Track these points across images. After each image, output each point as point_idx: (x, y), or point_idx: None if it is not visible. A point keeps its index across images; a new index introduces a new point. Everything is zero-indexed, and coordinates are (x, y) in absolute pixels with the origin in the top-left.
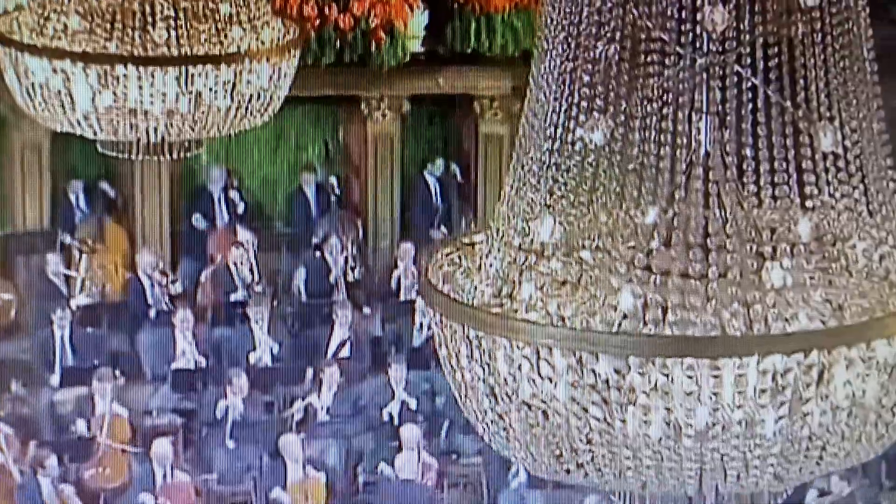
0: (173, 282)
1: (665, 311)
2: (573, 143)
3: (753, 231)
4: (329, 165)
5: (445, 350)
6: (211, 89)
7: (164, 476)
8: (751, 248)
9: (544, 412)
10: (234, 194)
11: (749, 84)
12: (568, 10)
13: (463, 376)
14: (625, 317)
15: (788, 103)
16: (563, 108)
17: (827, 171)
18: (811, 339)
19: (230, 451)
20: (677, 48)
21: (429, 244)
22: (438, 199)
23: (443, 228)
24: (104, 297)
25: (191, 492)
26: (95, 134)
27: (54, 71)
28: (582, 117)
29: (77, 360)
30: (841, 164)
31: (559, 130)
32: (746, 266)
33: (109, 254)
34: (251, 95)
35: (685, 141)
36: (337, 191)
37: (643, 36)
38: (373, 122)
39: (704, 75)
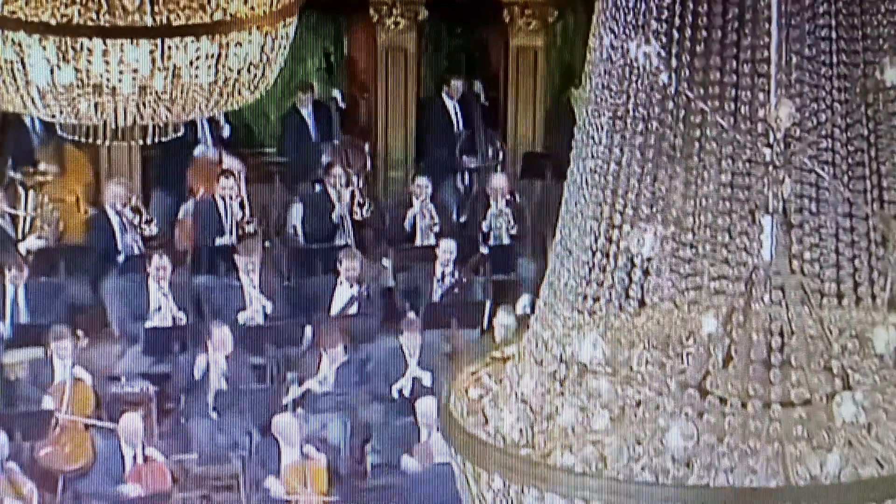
0: (147, 222)
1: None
2: (617, 256)
3: (825, 353)
4: (331, 82)
5: (469, 493)
6: (191, 63)
7: (134, 456)
8: (821, 379)
9: None
10: (217, 115)
11: (822, 181)
12: (612, 96)
13: None
14: (673, 461)
15: (869, 209)
16: (605, 215)
17: None
18: (889, 488)
19: (213, 426)
20: (737, 137)
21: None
22: (460, 123)
23: (465, 158)
24: (62, 239)
25: (166, 475)
26: (53, 116)
27: (6, 41)
28: (627, 227)
29: (30, 315)
30: None
31: (601, 240)
32: (815, 400)
33: (69, 185)
34: (239, 70)
35: (746, 248)
36: (341, 110)
37: (698, 134)
38: (383, 30)
39: (770, 171)
